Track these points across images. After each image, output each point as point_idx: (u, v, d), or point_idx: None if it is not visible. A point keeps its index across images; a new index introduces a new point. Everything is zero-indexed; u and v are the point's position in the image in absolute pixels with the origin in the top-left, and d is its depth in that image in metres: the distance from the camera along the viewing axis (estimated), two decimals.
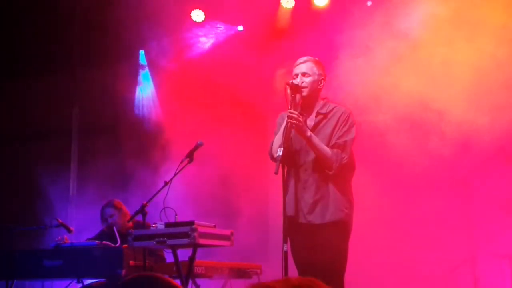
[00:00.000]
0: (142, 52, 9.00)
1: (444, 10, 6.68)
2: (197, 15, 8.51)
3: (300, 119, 4.47)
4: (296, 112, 4.48)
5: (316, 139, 4.53)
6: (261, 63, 7.33)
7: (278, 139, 4.59)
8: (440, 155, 7.28)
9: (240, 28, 8.58)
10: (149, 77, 9.06)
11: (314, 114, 4.68)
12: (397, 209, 7.70)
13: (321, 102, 4.72)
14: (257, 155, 6.84)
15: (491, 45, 6.26)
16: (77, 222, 8.41)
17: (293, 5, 8.14)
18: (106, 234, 6.59)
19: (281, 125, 4.66)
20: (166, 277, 4.88)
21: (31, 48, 9.01)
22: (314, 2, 8.04)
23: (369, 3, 7.78)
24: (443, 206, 7.31)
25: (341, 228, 4.56)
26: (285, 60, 5.96)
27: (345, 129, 4.61)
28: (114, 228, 6.36)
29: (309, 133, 4.53)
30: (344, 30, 6.96)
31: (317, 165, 4.57)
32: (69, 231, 6.09)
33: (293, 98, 4.54)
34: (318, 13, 7.99)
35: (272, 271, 6.32)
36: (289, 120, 4.46)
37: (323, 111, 4.68)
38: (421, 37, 6.77)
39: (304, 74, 4.67)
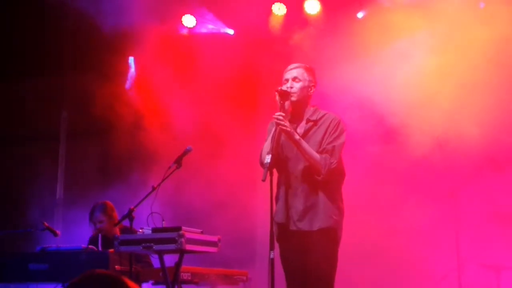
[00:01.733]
0: (131, 58, 8.98)
1: (436, 25, 6.74)
2: (189, 21, 8.52)
3: (287, 122, 4.46)
4: (282, 114, 4.47)
5: (304, 143, 4.52)
6: (252, 68, 7.33)
7: (266, 146, 4.58)
8: (428, 164, 7.32)
9: (231, 32, 8.59)
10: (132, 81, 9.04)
11: (304, 121, 4.67)
12: (384, 219, 7.71)
13: (311, 109, 4.72)
14: (245, 162, 6.84)
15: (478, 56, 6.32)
16: (64, 225, 8.37)
17: (285, 12, 8.16)
18: (95, 242, 6.55)
19: (271, 132, 4.65)
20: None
21: (21, 51, 8.97)
22: (305, 10, 8.07)
23: (359, 15, 7.83)
24: (430, 215, 7.32)
25: (330, 235, 4.54)
26: (275, 66, 5.97)
27: (335, 135, 4.60)
28: (100, 236, 6.33)
29: (297, 136, 4.52)
30: (333, 38, 7.01)
31: (307, 173, 4.55)
32: (55, 235, 6.05)
33: (282, 105, 4.54)
34: (309, 21, 8.01)
35: (258, 278, 6.32)
36: (276, 122, 4.45)
37: (313, 118, 4.67)
38: (410, 46, 6.83)
39: (294, 79, 4.66)
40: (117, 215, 6.62)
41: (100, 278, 2.03)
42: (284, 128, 4.46)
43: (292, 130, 4.51)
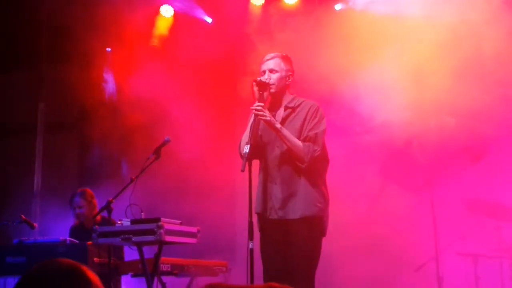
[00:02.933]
0: (109, 49, 8.91)
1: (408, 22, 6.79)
2: (166, 10, 8.48)
3: (266, 112, 4.45)
4: (261, 104, 4.45)
5: (286, 131, 4.50)
6: (229, 58, 7.31)
7: (245, 136, 4.56)
8: (406, 154, 7.37)
9: (209, 20, 8.54)
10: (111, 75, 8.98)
11: (282, 108, 4.65)
12: (362, 209, 7.76)
13: (289, 97, 4.70)
14: (224, 151, 6.83)
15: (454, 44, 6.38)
16: (41, 218, 8.31)
17: (263, 2, 8.13)
18: (77, 231, 6.52)
19: None
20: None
21: None
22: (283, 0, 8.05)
23: (337, 7, 7.84)
24: (407, 205, 7.37)
25: (314, 224, 4.49)
26: (253, 55, 5.96)
27: (315, 121, 4.57)
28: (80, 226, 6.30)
29: (278, 125, 4.50)
30: (310, 29, 7.02)
31: (287, 160, 4.52)
32: (32, 227, 6.01)
33: (261, 96, 4.52)
34: (287, 11, 7.99)
35: (238, 269, 6.32)
36: (255, 113, 4.44)
37: (291, 105, 4.66)
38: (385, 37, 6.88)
39: (271, 71, 4.64)
40: (96, 203, 6.59)
41: (57, 268, 1.96)
42: (264, 118, 4.44)
43: (273, 119, 4.50)
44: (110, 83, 8.90)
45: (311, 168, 4.51)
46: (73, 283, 1.94)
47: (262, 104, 4.47)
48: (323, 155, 4.59)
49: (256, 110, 4.44)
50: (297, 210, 4.47)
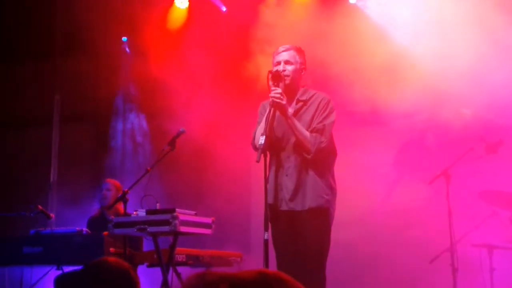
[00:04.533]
0: (125, 39, 8.94)
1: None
2: (181, 2, 8.47)
3: (284, 98, 4.46)
4: (280, 90, 4.46)
5: (296, 121, 4.53)
6: (244, 48, 7.31)
7: (260, 128, 4.57)
8: (421, 145, 7.35)
9: (223, 8, 8.52)
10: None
11: (294, 102, 4.66)
12: (376, 200, 7.75)
13: (301, 90, 4.72)
14: (239, 143, 6.83)
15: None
16: (58, 209, 8.37)
17: None
18: (95, 222, 6.57)
19: (263, 115, 4.64)
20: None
21: (13, 34, 8.92)
22: None
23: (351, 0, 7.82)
24: (422, 196, 7.36)
25: (321, 215, 4.53)
26: (267, 47, 5.96)
27: (325, 114, 4.60)
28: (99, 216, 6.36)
29: (290, 113, 4.53)
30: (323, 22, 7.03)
31: (298, 152, 4.56)
32: (48, 217, 6.06)
33: (276, 87, 4.53)
34: (301, 4, 7.97)
35: (253, 260, 6.35)
36: (273, 98, 4.44)
37: (303, 98, 4.67)
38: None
39: (287, 62, 4.65)
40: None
41: (108, 267, 2.08)
42: (281, 102, 4.44)
43: (288, 106, 4.52)
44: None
45: (317, 160, 4.54)
46: (123, 284, 2.06)
47: (280, 90, 4.47)
48: (330, 147, 4.62)
49: (275, 94, 4.43)
50: (306, 201, 4.52)
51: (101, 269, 2.08)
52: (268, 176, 4.59)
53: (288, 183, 4.56)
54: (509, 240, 5.65)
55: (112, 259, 2.12)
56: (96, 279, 2.06)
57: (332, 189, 4.61)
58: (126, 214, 5.52)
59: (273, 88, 4.49)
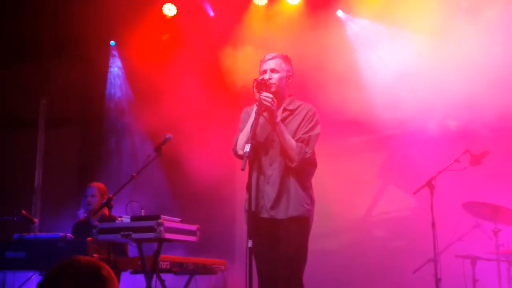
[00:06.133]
0: (112, 43, 8.93)
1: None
2: (169, 9, 8.48)
3: (275, 103, 4.47)
4: (271, 95, 4.47)
5: (283, 127, 4.54)
6: (230, 55, 7.34)
7: (244, 135, 4.57)
8: (406, 155, 7.40)
9: (211, 13, 8.52)
10: (119, 69, 8.98)
11: (281, 110, 4.67)
12: (360, 210, 7.79)
13: (288, 99, 4.73)
14: (224, 150, 6.84)
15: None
16: (42, 214, 8.33)
17: (266, 2, 8.14)
18: (80, 228, 6.53)
19: (246, 121, 4.65)
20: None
21: (0, 37, 8.88)
22: (287, 1, 8.05)
23: (339, 14, 7.88)
24: (406, 205, 7.41)
25: (301, 224, 4.56)
26: (251, 54, 5.99)
27: (310, 125, 4.63)
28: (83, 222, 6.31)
29: (278, 119, 4.54)
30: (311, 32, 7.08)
31: (280, 160, 4.57)
32: (32, 222, 6.02)
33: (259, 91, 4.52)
34: (290, 12, 8.01)
35: (237, 267, 6.35)
36: (264, 101, 4.43)
37: (290, 107, 4.69)
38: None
39: (273, 70, 4.66)
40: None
41: (79, 266, 2.09)
42: (270, 106, 4.44)
43: (276, 111, 4.53)
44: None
45: (300, 169, 4.56)
46: (94, 281, 2.08)
47: (272, 96, 4.48)
48: (313, 158, 4.64)
49: (266, 98, 4.43)
50: (287, 209, 4.53)
51: (71, 267, 2.10)
52: (248, 183, 4.58)
53: (269, 191, 4.57)
54: (492, 252, 5.69)
55: (83, 258, 2.14)
56: (66, 278, 2.08)
57: (311, 199, 4.65)
58: (111, 218, 5.50)
59: (257, 97, 4.48)
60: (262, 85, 4.53)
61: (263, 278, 4.57)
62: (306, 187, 4.61)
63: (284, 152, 4.55)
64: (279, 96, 4.64)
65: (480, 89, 6.30)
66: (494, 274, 5.59)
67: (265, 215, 4.57)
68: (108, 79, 8.95)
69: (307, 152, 4.54)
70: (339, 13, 7.86)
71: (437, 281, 5.27)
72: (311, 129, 4.63)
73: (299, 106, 4.70)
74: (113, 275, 2.13)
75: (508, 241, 5.84)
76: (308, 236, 4.63)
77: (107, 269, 2.13)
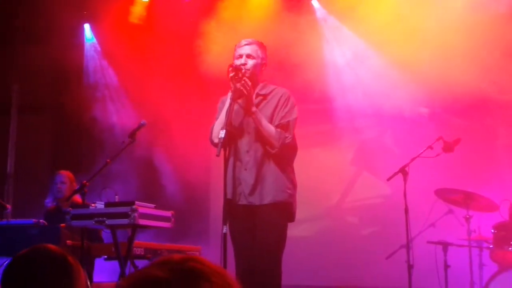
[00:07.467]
0: (87, 25, 8.82)
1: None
2: None
3: (252, 89, 4.47)
4: (249, 83, 4.46)
5: (260, 115, 4.54)
6: (204, 42, 7.30)
7: (219, 122, 4.57)
8: (380, 142, 7.46)
9: None
10: (94, 51, 8.89)
11: (254, 96, 4.66)
12: (334, 196, 7.84)
13: (261, 84, 4.73)
14: (199, 137, 6.83)
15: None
16: (15, 200, 8.25)
17: None
18: (52, 215, 6.48)
19: (222, 110, 4.64)
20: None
21: None
22: None
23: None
24: (380, 192, 7.47)
25: (283, 209, 4.57)
26: (226, 41, 5.96)
27: (286, 109, 4.63)
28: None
29: (254, 108, 4.53)
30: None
31: (257, 145, 4.57)
32: (4, 208, 5.97)
33: (236, 80, 4.51)
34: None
35: (212, 254, 6.35)
36: (241, 87, 4.42)
37: (263, 92, 4.69)
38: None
39: (248, 56, 4.66)
40: (75, 186, 6.56)
41: (45, 254, 2.08)
42: (248, 94, 4.44)
43: (253, 100, 4.53)
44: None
45: (280, 155, 4.56)
46: (58, 269, 2.08)
47: (250, 83, 4.47)
48: (293, 143, 4.64)
49: (245, 84, 4.43)
50: (266, 195, 4.53)
51: (37, 253, 2.09)
52: (225, 169, 4.58)
53: (247, 177, 4.56)
54: (464, 238, 5.76)
55: (49, 245, 2.14)
56: (32, 263, 2.07)
57: (293, 184, 4.64)
58: (85, 205, 5.46)
59: (245, 78, 4.46)
60: (238, 70, 4.53)
61: (241, 265, 4.57)
62: (286, 171, 4.61)
63: (263, 139, 4.54)
64: (253, 82, 4.63)
65: (453, 77, 6.35)
66: (466, 260, 5.67)
67: (243, 201, 4.56)
68: (84, 65, 8.86)
69: (287, 137, 4.55)
70: (314, 2, 7.87)
71: (409, 267, 5.32)
72: (288, 113, 4.62)
73: (272, 91, 4.70)
74: (79, 264, 2.14)
75: (480, 227, 5.92)
76: (289, 221, 4.62)
77: (73, 258, 2.13)
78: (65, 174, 6.64)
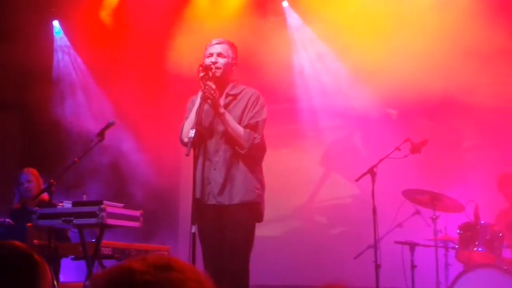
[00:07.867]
0: (56, 22, 8.72)
1: None
2: None
3: (217, 94, 4.48)
4: (213, 86, 4.46)
5: (229, 116, 4.56)
6: (174, 40, 7.27)
7: (189, 122, 4.58)
8: (349, 143, 7.51)
9: None
10: (63, 48, 8.79)
11: (224, 95, 4.68)
12: (302, 196, 7.87)
13: (231, 84, 4.74)
14: (169, 136, 6.81)
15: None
16: None
17: None
18: (18, 214, 6.39)
19: (191, 110, 4.64)
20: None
21: None
22: None
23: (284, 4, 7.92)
24: (348, 193, 7.52)
25: (252, 209, 4.60)
26: (197, 40, 5.95)
27: (256, 109, 4.65)
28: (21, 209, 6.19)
29: (222, 109, 4.54)
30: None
31: (227, 145, 4.58)
32: None
33: (206, 79, 4.51)
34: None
35: (180, 253, 6.34)
36: (205, 93, 4.43)
37: (233, 92, 4.71)
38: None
39: (219, 55, 4.68)
40: (42, 184, 6.46)
41: (10, 251, 2.06)
42: (213, 98, 4.45)
43: (219, 102, 4.54)
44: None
45: (249, 155, 4.58)
46: (23, 266, 2.04)
47: (214, 86, 4.48)
48: (262, 143, 4.66)
49: (208, 88, 4.43)
50: (235, 195, 4.55)
51: (3, 249, 2.07)
52: (194, 169, 4.58)
53: (216, 177, 4.57)
54: (431, 238, 5.83)
55: (14, 242, 2.11)
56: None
57: (262, 184, 4.68)
58: (52, 204, 5.40)
59: (208, 83, 4.48)
60: (208, 69, 4.53)
61: (209, 264, 4.58)
62: (255, 172, 4.64)
63: (232, 140, 4.56)
64: (223, 81, 4.66)
65: (420, 78, 6.42)
66: (432, 260, 5.73)
67: (212, 201, 4.58)
68: (52, 62, 8.76)
69: (256, 137, 4.57)
70: (284, 3, 7.90)
71: (377, 266, 5.37)
72: (258, 113, 4.65)
73: (242, 91, 4.72)
74: (45, 263, 2.12)
75: (446, 228, 5.99)
76: (258, 221, 4.65)
77: (40, 256, 2.11)
78: (31, 172, 6.52)
